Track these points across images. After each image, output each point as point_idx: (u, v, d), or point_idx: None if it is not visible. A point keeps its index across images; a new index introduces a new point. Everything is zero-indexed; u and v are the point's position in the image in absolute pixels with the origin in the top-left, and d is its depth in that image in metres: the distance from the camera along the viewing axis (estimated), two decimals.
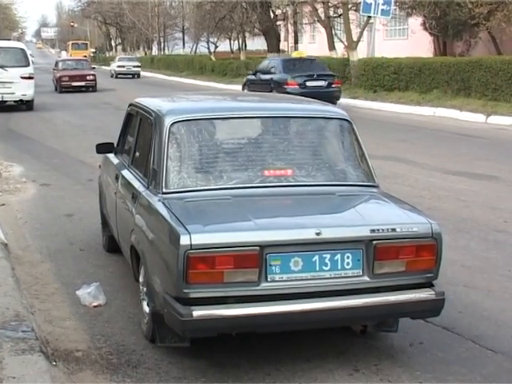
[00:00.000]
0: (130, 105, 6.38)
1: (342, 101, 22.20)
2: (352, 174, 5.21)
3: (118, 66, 48.03)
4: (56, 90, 33.21)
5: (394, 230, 4.45)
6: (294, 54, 25.99)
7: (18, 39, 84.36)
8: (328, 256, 4.35)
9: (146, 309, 4.92)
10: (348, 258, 4.38)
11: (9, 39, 57.85)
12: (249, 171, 4.99)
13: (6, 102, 22.30)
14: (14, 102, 22.48)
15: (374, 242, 4.39)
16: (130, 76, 47.25)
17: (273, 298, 4.30)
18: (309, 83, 21.55)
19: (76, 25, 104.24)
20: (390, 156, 13.01)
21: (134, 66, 48.03)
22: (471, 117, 19.04)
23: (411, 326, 5.25)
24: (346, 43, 28.08)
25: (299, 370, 4.59)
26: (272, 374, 4.54)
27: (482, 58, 21.75)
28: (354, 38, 27.45)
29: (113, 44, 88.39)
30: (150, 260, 4.75)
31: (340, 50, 30.97)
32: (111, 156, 6.74)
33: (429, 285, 4.60)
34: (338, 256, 4.37)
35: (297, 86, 21.13)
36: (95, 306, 5.65)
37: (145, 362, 4.68)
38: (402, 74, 23.93)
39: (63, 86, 32.62)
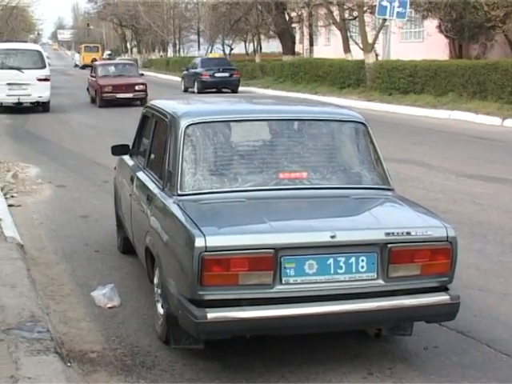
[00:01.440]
0: (146, 107, 6.41)
1: (358, 104, 22.17)
2: (367, 177, 5.19)
3: None
4: (94, 102, 26.36)
5: (408, 233, 4.43)
6: (210, 55, 39.03)
7: (35, 41, 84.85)
8: (343, 259, 4.35)
9: (161, 310, 4.93)
10: (363, 261, 4.38)
11: (25, 41, 58.22)
12: (263, 174, 4.99)
13: (22, 103, 22.44)
14: (31, 103, 22.62)
15: (389, 245, 4.38)
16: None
17: (287, 300, 4.30)
18: (217, 74, 32.39)
19: (92, 27, 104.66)
20: (406, 159, 12.97)
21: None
22: (487, 120, 18.94)
23: (426, 330, 5.23)
24: (361, 46, 28.01)
25: (313, 372, 4.59)
26: (286, 376, 4.54)
27: (498, 60, 21.64)
28: (370, 41, 27.39)
29: (128, 46, 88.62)
30: (165, 262, 4.75)
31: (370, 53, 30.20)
32: (126, 158, 6.77)
33: (444, 288, 4.58)
34: (353, 259, 4.36)
35: (208, 77, 32.25)
36: (110, 308, 5.67)
37: (159, 364, 4.70)
38: (417, 77, 23.85)
39: (105, 99, 24.93)
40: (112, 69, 27.16)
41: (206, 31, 56.61)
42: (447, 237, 4.52)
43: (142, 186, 5.65)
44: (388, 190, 5.18)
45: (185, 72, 35.02)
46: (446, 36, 29.81)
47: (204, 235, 4.19)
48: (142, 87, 25.07)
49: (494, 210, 9.04)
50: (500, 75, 20.30)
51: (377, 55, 28.89)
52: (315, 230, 4.45)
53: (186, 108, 5.67)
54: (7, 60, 22.45)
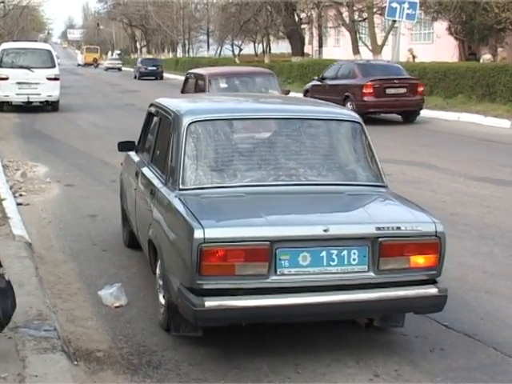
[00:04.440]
0: (151, 105, 6.58)
1: None
2: (361, 175, 5.37)
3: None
4: None
5: (399, 228, 4.61)
6: (147, 56, 56.68)
7: (45, 41, 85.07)
8: (335, 252, 4.52)
9: (162, 300, 5.12)
10: (354, 254, 4.55)
11: (36, 41, 58.39)
12: (262, 170, 5.19)
13: (31, 102, 22.49)
14: (40, 102, 22.66)
15: (380, 239, 4.55)
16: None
17: (281, 290, 4.48)
18: (149, 68, 49.37)
19: (102, 27, 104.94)
20: (414, 161, 12.95)
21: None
22: (496, 122, 18.89)
23: (432, 332, 5.23)
24: (370, 47, 28.00)
25: (319, 374, 4.59)
26: (292, 378, 4.54)
27: (507, 63, 21.59)
28: (379, 42, 27.37)
29: (138, 46, 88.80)
30: (166, 253, 4.94)
31: (405, 53, 29.36)
32: (132, 154, 6.97)
33: (432, 281, 4.73)
34: (345, 252, 4.54)
35: (144, 69, 49.57)
36: (117, 307, 5.69)
37: (165, 364, 4.71)
38: (426, 79, 23.79)
39: None
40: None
41: (215, 32, 56.74)
42: (436, 232, 4.66)
43: (146, 181, 5.84)
44: (382, 186, 5.34)
45: (135, 66, 53.80)
46: (456, 38, 29.79)
47: (203, 227, 4.38)
48: None
49: (502, 212, 9.01)
50: (509, 77, 20.25)
51: (414, 57, 28.82)
52: (309, 223, 4.66)
53: (189, 106, 5.87)
54: (17, 59, 22.49)
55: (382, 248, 4.56)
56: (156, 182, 5.51)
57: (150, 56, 66.55)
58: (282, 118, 5.59)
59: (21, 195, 9.93)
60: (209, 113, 5.51)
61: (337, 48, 45.83)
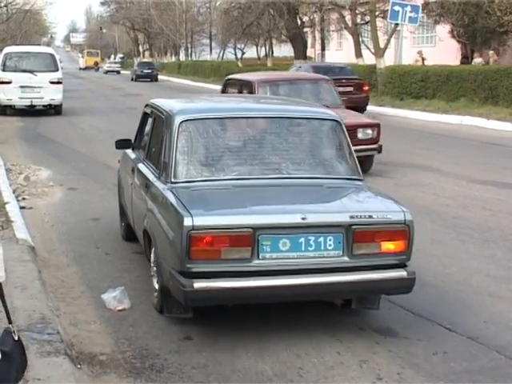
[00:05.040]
0: (146, 105, 7.02)
1: (369, 108, 22.15)
2: (340, 169, 5.84)
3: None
4: None
5: (370, 216, 5.04)
6: (143, 60, 58.79)
7: (48, 44, 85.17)
8: (312, 238, 4.93)
9: (156, 284, 5.54)
10: (330, 240, 4.97)
11: (39, 44, 58.45)
12: (248, 165, 5.64)
13: (35, 106, 22.52)
14: (43, 106, 22.69)
15: (353, 226, 4.97)
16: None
17: (263, 273, 4.89)
18: (144, 70, 52.76)
19: (105, 30, 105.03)
20: (417, 164, 12.95)
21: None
22: (499, 125, 18.89)
23: (435, 335, 5.23)
24: (373, 50, 28.00)
25: (322, 377, 4.59)
26: (295, 381, 4.54)
27: (510, 66, 21.59)
28: (381, 46, 27.37)
29: (141, 49, 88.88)
30: (159, 240, 5.38)
31: (413, 56, 29.74)
32: (129, 151, 7.40)
33: (402, 266, 5.14)
34: (322, 238, 4.95)
35: (140, 72, 52.22)
36: (120, 310, 5.69)
37: (168, 367, 4.71)
38: (429, 82, 23.83)
39: None
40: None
41: (218, 35, 56.75)
42: (405, 220, 5.09)
43: (142, 176, 6.27)
44: (358, 180, 5.81)
45: (131, 69, 57.75)
46: (458, 41, 29.75)
47: (192, 216, 4.80)
48: None
49: (505, 215, 9.01)
50: None
51: (423, 59, 28.82)
52: (288, 212, 5.07)
53: (180, 106, 6.25)
54: (20, 63, 22.55)
55: (355, 235, 4.97)
56: (150, 176, 5.92)
57: (147, 60, 69.55)
58: (267, 117, 6.07)
59: (24, 199, 9.94)
60: (199, 112, 5.97)
61: (339, 51, 45.81)
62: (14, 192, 10.10)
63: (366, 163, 11.63)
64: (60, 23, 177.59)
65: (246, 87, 12.39)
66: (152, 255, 5.66)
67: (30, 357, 4.39)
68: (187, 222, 4.76)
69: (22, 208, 9.16)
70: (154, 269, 5.58)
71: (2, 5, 43.05)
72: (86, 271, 6.78)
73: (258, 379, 4.56)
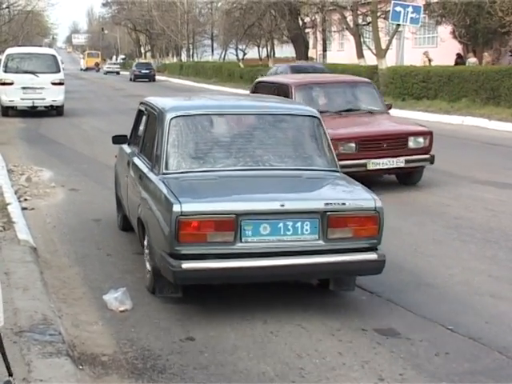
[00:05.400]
0: (141, 103, 7.50)
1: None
2: (318, 161, 6.27)
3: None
4: None
5: (343, 203, 5.51)
6: (141, 60, 61.89)
7: (50, 45, 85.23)
8: (290, 223, 5.39)
9: (149, 267, 6.01)
10: (307, 225, 5.42)
11: (40, 45, 58.47)
12: (233, 157, 6.08)
13: (36, 107, 22.55)
14: (45, 107, 22.72)
15: (328, 213, 5.43)
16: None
17: (245, 255, 5.36)
18: (142, 71, 54.29)
19: (106, 31, 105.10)
20: None
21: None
22: (500, 126, 18.87)
23: (437, 336, 5.23)
24: (374, 51, 27.99)
25: (324, 378, 4.59)
26: (296, 381, 4.54)
27: (511, 66, 21.56)
28: (383, 46, 27.36)
29: (142, 51, 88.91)
30: (152, 226, 5.83)
31: (419, 57, 30.07)
32: (125, 146, 7.88)
33: (373, 249, 5.59)
34: (299, 224, 5.40)
35: (138, 72, 54.03)
36: (122, 311, 5.69)
37: (170, 368, 4.71)
38: (430, 83, 23.81)
39: None
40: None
41: (219, 36, 56.75)
42: (375, 207, 5.55)
43: (136, 168, 6.72)
44: (335, 171, 6.24)
45: (130, 69, 58.89)
46: (460, 42, 29.74)
47: (180, 203, 5.27)
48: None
49: (507, 216, 9.00)
50: None
51: (430, 60, 28.83)
52: (268, 200, 5.53)
53: (171, 103, 6.70)
54: (22, 64, 22.58)
55: (330, 220, 5.43)
56: (144, 168, 6.41)
57: (145, 61, 71.09)
58: (251, 114, 6.56)
59: (26, 200, 9.95)
60: (188, 109, 6.46)
61: (341, 52, 45.81)
62: (15, 193, 10.10)
63: (414, 175, 10.98)
64: (62, 24, 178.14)
65: (281, 91, 11.42)
66: (145, 241, 6.11)
67: (32, 358, 4.40)
68: (176, 208, 5.24)
69: (23, 209, 9.16)
70: (147, 252, 6.04)
71: (4, 6, 43.07)
72: (88, 272, 6.78)
73: (260, 380, 4.56)
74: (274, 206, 5.40)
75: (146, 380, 4.54)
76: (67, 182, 11.47)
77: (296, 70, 24.20)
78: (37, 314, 5.14)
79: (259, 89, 12.63)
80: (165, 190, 5.58)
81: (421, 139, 10.82)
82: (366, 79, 12.92)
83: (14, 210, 8.63)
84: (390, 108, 12.10)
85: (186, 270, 5.25)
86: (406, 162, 10.45)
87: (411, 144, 10.65)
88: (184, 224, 5.25)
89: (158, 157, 6.03)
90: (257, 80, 13.61)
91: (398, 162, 10.40)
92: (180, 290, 5.69)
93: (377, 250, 5.61)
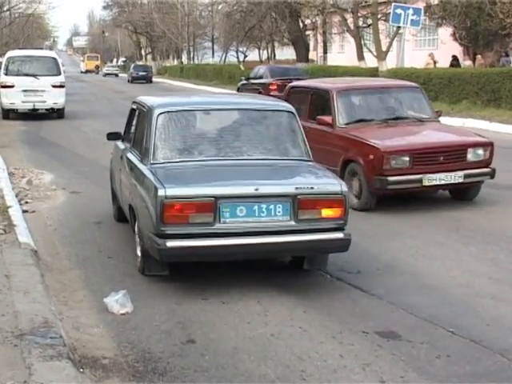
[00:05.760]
0: (133, 102, 8.08)
1: None
2: (292, 152, 6.86)
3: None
4: None
5: (312, 188, 6.12)
6: (139, 63, 63.12)
7: (50, 48, 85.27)
8: (264, 206, 5.99)
9: (139, 252, 6.62)
10: (279, 207, 6.01)
11: (41, 48, 58.46)
12: (214, 148, 6.70)
13: (37, 110, 22.57)
14: (46, 110, 22.73)
15: (298, 196, 6.01)
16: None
17: (223, 235, 5.93)
18: (140, 73, 55.73)
19: (107, 34, 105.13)
20: None
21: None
22: (501, 128, 18.85)
23: (438, 339, 5.23)
24: (375, 53, 27.99)
25: (325, 380, 4.59)
26: None
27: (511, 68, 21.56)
28: (384, 48, 27.37)
29: (143, 53, 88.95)
30: (141, 210, 6.46)
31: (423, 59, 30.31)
32: (119, 142, 8.47)
33: (340, 229, 6.18)
34: (272, 206, 6.00)
35: (136, 74, 55.76)
36: (122, 314, 5.69)
37: (171, 370, 4.71)
38: (431, 85, 23.79)
39: None
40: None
41: (220, 38, 56.77)
42: (341, 191, 6.16)
43: (128, 161, 7.32)
44: (308, 161, 6.84)
45: (128, 71, 60.79)
46: (461, 44, 29.75)
47: (165, 188, 5.88)
48: None
49: (508, 218, 9.00)
50: None
51: (435, 62, 28.83)
52: (244, 185, 6.08)
53: (159, 101, 7.27)
54: (23, 67, 22.60)
55: (300, 203, 6.01)
56: (134, 160, 7.01)
57: (142, 63, 72.65)
58: (231, 109, 7.18)
59: (26, 202, 9.95)
60: (174, 106, 7.03)
61: (341, 54, 45.83)
62: (16, 196, 10.11)
63: (471, 190, 9.91)
64: (62, 27, 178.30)
65: (319, 97, 10.60)
66: (136, 226, 6.70)
67: (33, 361, 4.40)
68: (161, 192, 5.85)
69: (24, 212, 9.17)
70: (137, 236, 6.65)
71: (5, 9, 43.12)
72: (89, 275, 6.79)
73: (261, 382, 4.56)
74: (249, 190, 5.98)
75: (147, 383, 4.54)
76: (68, 184, 11.48)
77: (273, 71, 27.12)
78: (37, 316, 5.14)
79: (293, 95, 11.44)
80: (152, 178, 6.18)
81: (481, 151, 9.76)
82: (414, 83, 11.75)
83: (15, 212, 8.63)
84: (439, 115, 10.99)
85: (170, 248, 5.85)
86: (465, 176, 9.35)
87: (470, 156, 9.59)
88: (168, 207, 5.83)
89: (147, 149, 6.64)
90: (290, 85, 12.09)
91: (457, 177, 9.31)
92: (167, 268, 6.31)
93: (343, 230, 6.18)
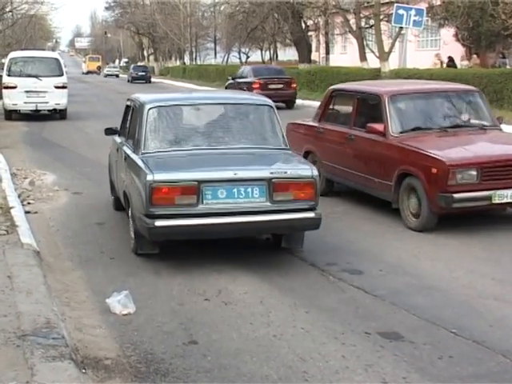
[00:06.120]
0: (128, 99, 8.70)
1: None
2: (270, 141, 7.56)
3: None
4: None
5: (285, 172, 6.85)
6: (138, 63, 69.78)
7: (53, 49, 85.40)
8: (243, 189, 6.68)
9: (132, 233, 7.28)
10: (256, 190, 6.71)
11: (43, 49, 58.55)
12: (199, 139, 7.42)
13: (40, 111, 22.58)
14: (48, 111, 22.74)
15: (273, 180, 6.72)
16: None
17: (206, 215, 6.61)
18: (139, 73, 57.64)
19: (109, 35, 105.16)
20: None
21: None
22: (503, 128, 18.80)
23: (441, 340, 5.22)
24: (377, 54, 27.99)
25: (327, 381, 4.58)
26: None
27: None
28: (386, 49, 27.35)
29: (145, 54, 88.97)
30: (133, 194, 7.14)
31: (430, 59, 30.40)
32: (116, 137, 9.11)
33: (312, 209, 6.86)
34: (250, 189, 6.70)
35: (135, 74, 57.66)
36: (125, 315, 5.69)
37: (173, 371, 4.71)
38: None
39: None
40: None
41: (222, 39, 56.81)
42: (312, 175, 6.87)
43: (123, 152, 7.95)
44: (285, 149, 7.54)
45: (128, 72, 63.67)
46: (463, 44, 29.73)
47: (153, 173, 6.61)
48: None
49: (511, 218, 8.98)
50: None
51: (442, 62, 28.82)
52: (224, 170, 6.77)
53: (150, 98, 7.92)
54: (25, 68, 22.59)
55: (275, 186, 6.71)
56: (128, 151, 7.67)
57: (141, 64, 74.28)
58: (215, 104, 7.92)
59: (29, 203, 9.95)
60: (163, 101, 7.74)
61: (344, 55, 45.83)
62: (19, 197, 10.11)
63: None
64: (65, 28, 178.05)
65: (369, 102, 9.62)
66: (130, 211, 7.34)
67: (35, 361, 4.40)
68: (149, 177, 6.56)
69: (27, 212, 9.17)
70: (131, 219, 7.27)
71: (7, 10, 43.14)
72: (91, 276, 6.79)
73: (263, 383, 4.55)
74: (229, 174, 6.69)
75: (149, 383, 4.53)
76: (70, 185, 11.48)
77: (256, 71, 28.68)
78: (40, 317, 5.14)
79: (335, 98, 10.51)
80: (142, 165, 6.88)
81: None
82: (473, 87, 10.62)
83: (18, 213, 8.63)
84: (501, 122, 10.25)
85: (158, 227, 6.53)
86: None
87: None
88: (156, 190, 6.54)
89: (139, 140, 7.34)
90: (331, 88, 10.89)
91: None
92: (157, 247, 7.05)
93: (315, 210, 6.85)
